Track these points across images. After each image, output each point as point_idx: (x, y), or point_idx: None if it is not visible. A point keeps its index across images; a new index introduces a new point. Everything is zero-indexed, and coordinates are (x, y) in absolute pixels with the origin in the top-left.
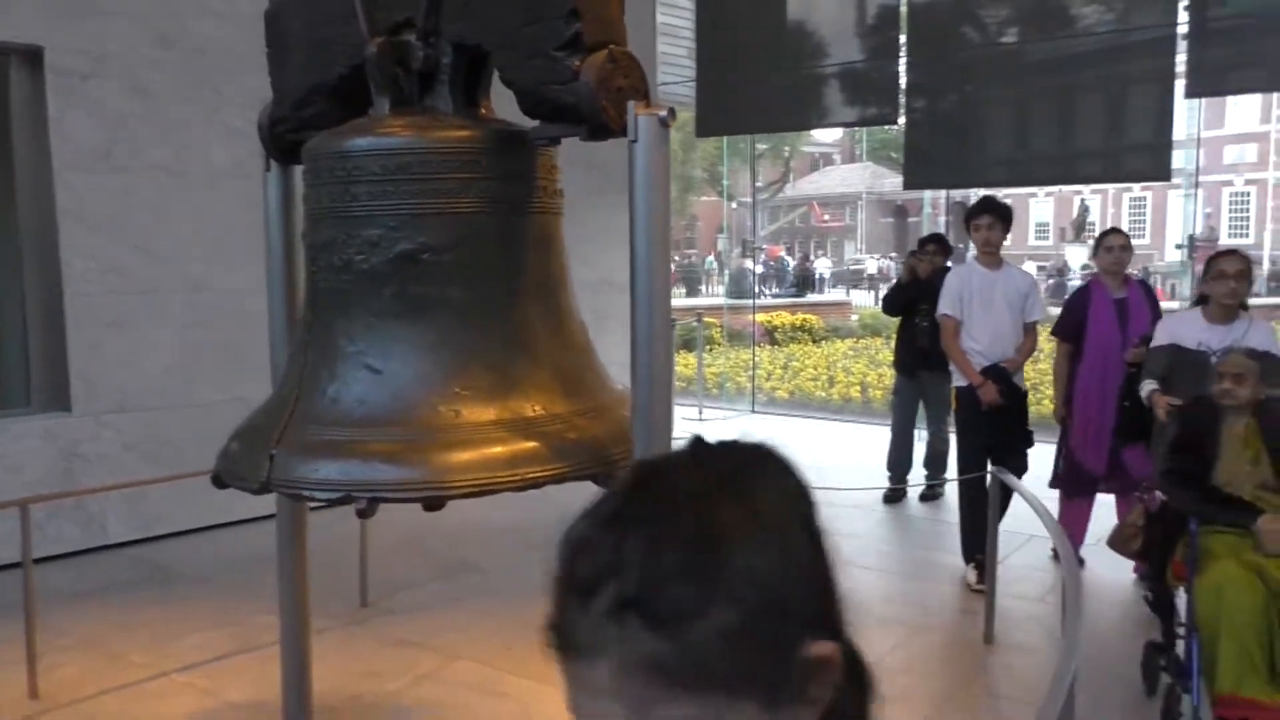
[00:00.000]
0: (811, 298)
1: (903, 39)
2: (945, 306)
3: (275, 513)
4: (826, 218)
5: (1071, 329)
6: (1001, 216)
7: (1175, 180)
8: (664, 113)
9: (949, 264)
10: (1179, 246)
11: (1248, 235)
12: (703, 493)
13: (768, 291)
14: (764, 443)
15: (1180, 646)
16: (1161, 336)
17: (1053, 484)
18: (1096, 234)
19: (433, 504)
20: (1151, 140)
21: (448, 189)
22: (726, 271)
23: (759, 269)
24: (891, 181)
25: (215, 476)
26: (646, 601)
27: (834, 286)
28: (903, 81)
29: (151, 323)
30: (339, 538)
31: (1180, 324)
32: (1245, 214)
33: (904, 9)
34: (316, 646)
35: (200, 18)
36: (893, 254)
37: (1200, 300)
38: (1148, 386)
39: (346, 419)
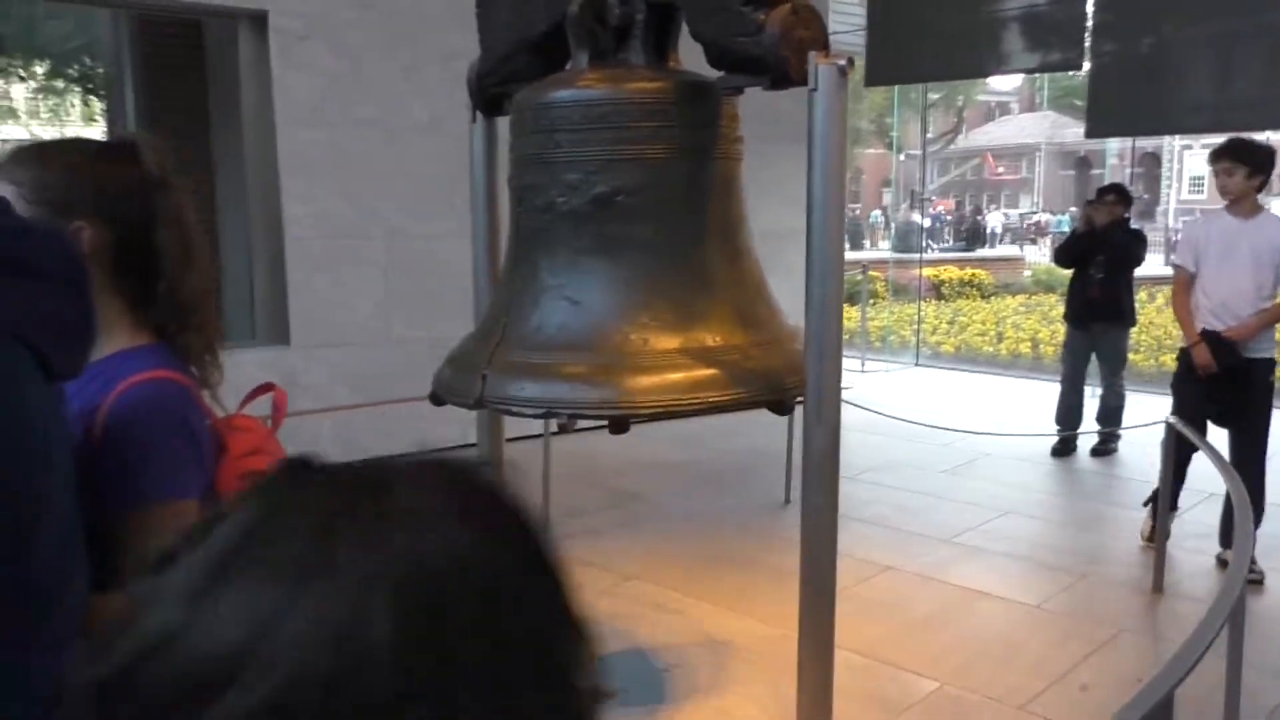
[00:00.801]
0: (981, 253)
1: None
2: (1179, 257)
3: (465, 444)
4: (1001, 170)
5: None
6: (1244, 160)
7: None
8: (844, 62)
9: (1128, 215)
10: None
11: None
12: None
13: (935, 246)
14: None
15: None
16: None
17: None
18: None
19: (619, 425)
20: None
21: (640, 136)
22: (892, 225)
23: (926, 222)
24: (1074, 131)
25: (433, 394)
26: None
27: (1006, 242)
28: (1089, 23)
29: (356, 266)
30: (519, 470)
31: None
32: None
33: None
34: None
35: None
36: (1072, 208)
37: None
38: None
39: (549, 344)
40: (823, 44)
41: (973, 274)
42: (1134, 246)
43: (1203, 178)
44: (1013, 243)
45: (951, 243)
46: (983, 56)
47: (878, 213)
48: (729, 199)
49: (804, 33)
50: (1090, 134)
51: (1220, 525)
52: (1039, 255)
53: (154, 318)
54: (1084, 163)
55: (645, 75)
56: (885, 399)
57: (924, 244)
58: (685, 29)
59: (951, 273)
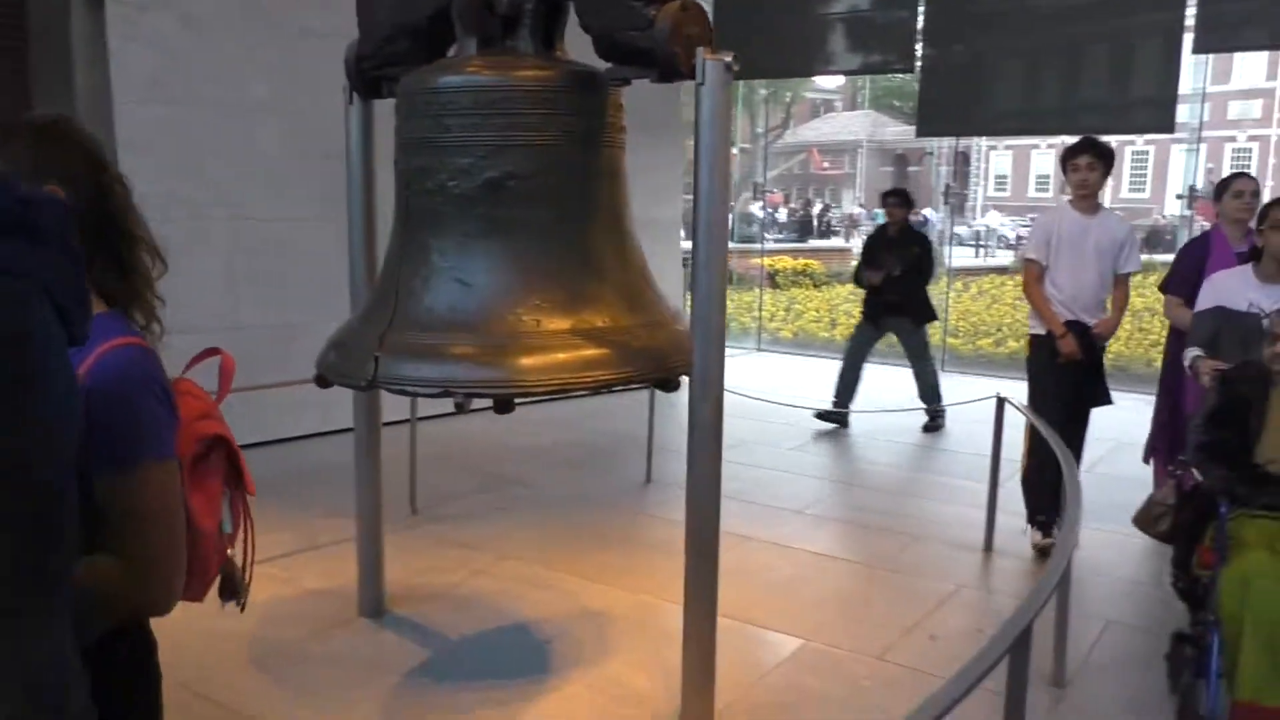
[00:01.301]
0: (813, 243)
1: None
2: (1031, 250)
3: (326, 430)
4: (826, 165)
5: (1185, 283)
6: (1102, 156)
7: (1179, 134)
8: (729, 58)
9: (911, 218)
10: (1179, 197)
11: None
12: None
13: (770, 236)
14: None
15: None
16: (1206, 298)
17: (1149, 456)
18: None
19: (504, 405)
20: (1157, 94)
21: (531, 123)
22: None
23: (761, 214)
24: (893, 130)
25: (319, 377)
26: None
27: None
28: (919, 29)
29: (201, 248)
30: (385, 455)
31: (1227, 283)
32: (1246, 169)
33: None
34: (357, 554)
35: None
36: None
37: (1251, 255)
38: (1190, 354)
39: (441, 326)
40: (709, 41)
41: (805, 264)
42: (924, 258)
43: (1007, 176)
44: (826, 234)
45: (785, 234)
46: (817, 56)
47: None
48: (615, 185)
49: (693, 29)
50: (920, 133)
51: (1026, 501)
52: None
53: (105, 286)
54: (902, 160)
55: (536, 64)
56: (732, 381)
57: (763, 234)
58: (572, 20)
59: (786, 262)
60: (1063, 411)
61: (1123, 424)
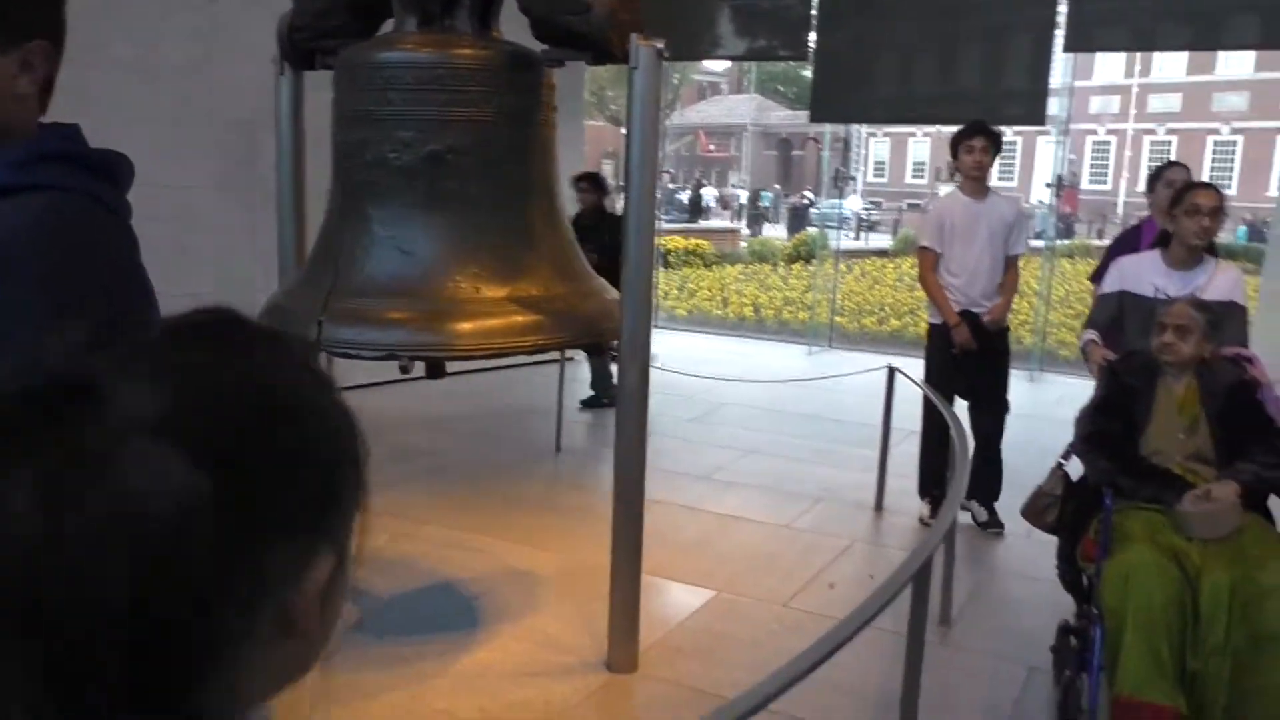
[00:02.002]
0: (702, 224)
1: None
2: (925, 238)
3: None
4: (712, 147)
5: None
6: (993, 139)
7: (1045, 127)
8: (661, 45)
9: (796, 200)
10: (1048, 185)
11: (1106, 182)
12: None
13: (662, 217)
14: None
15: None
16: (1112, 280)
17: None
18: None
19: (435, 370)
20: (1029, 88)
21: (470, 99)
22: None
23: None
24: (777, 114)
25: None
26: None
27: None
28: (814, 16)
29: None
30: None
31: (1135, 266)
32: (1105, 162)
33: None
34: None
35: None
36: (776, 185)
37: (1160, 240)
38: (1086, 336)
39: (383, 292)
40: (641, 27)
41: (696, 244)
42: (614, 244)
43: (885, 163)
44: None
45: (675, 215)
46: (713, 40)
47: None
48: (547, 161)
49: (626, 15)
50: (813, 119)
51: (920, 476)
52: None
53: None
54: (785, 143)
55: (475, 43)
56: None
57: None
58: (507, 2)
59: (677, 242)
60: (952, 393)
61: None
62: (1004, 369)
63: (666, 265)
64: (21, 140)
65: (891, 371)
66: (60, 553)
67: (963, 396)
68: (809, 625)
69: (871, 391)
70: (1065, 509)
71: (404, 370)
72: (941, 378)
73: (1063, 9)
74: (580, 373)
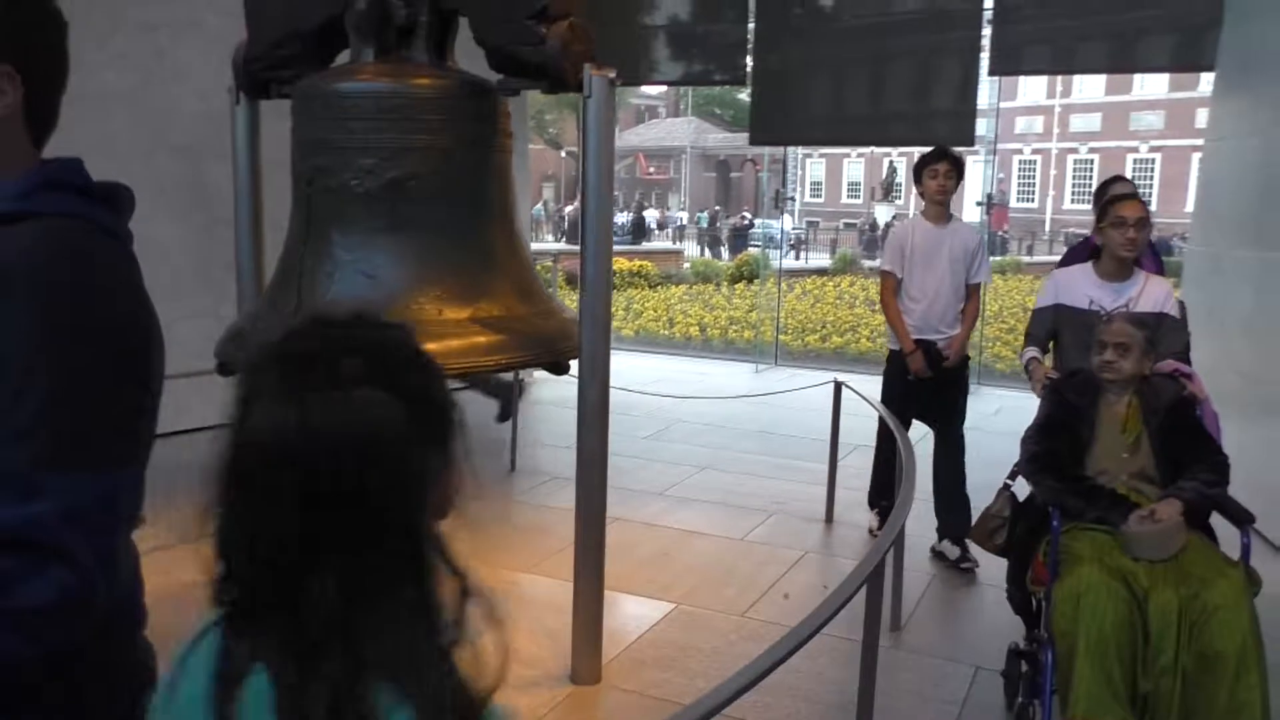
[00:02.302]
0: (645, 245)
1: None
2: (886, 263)
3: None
4: (652, 170)
5: None
6: (956, 164)
7: (974, 147)
8: (613, 74)
9: (738, 221)
10: (978, 204)
11: (1033, 200)
12: None
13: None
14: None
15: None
16: (1047, 293)
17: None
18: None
19: None
20: (958, 108)
21: (430, 127)
22: (552, 219)
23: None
24: (715, 136)
25: (221, 366)
26: None
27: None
28: (750, 42)
29: None
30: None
31: (1069, 279)
32: (1032, 180)
33: None
34: None
35: None
36: (716, 207)
37: (1092, 253)
38: (1027, 354)
39: None
40: (593, 57)
41: (640, 265)
42: None
43: (821, 183)
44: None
45: (619, 237)
46: (654, 65)
47: (539, 207)
48: (505, 186)
49: (579, 46)
50: (753, 142)
51: (870, 488)
52: (694, 249)
53: None
54: (724, 165)
55: (434, 73)
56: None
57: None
58: (461, 32)
59: (621, 264)
60: (907, 416)
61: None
62: (960, 396)
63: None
64: (23, 171)
65: (838, 386)
66: (326, 453)
67: (918, 418)
68: (766, 634)
69: (818, 406)
70: (1014, 531)
71: None
72: (898, 402)
73: (987, 33)
74: (541, 393)
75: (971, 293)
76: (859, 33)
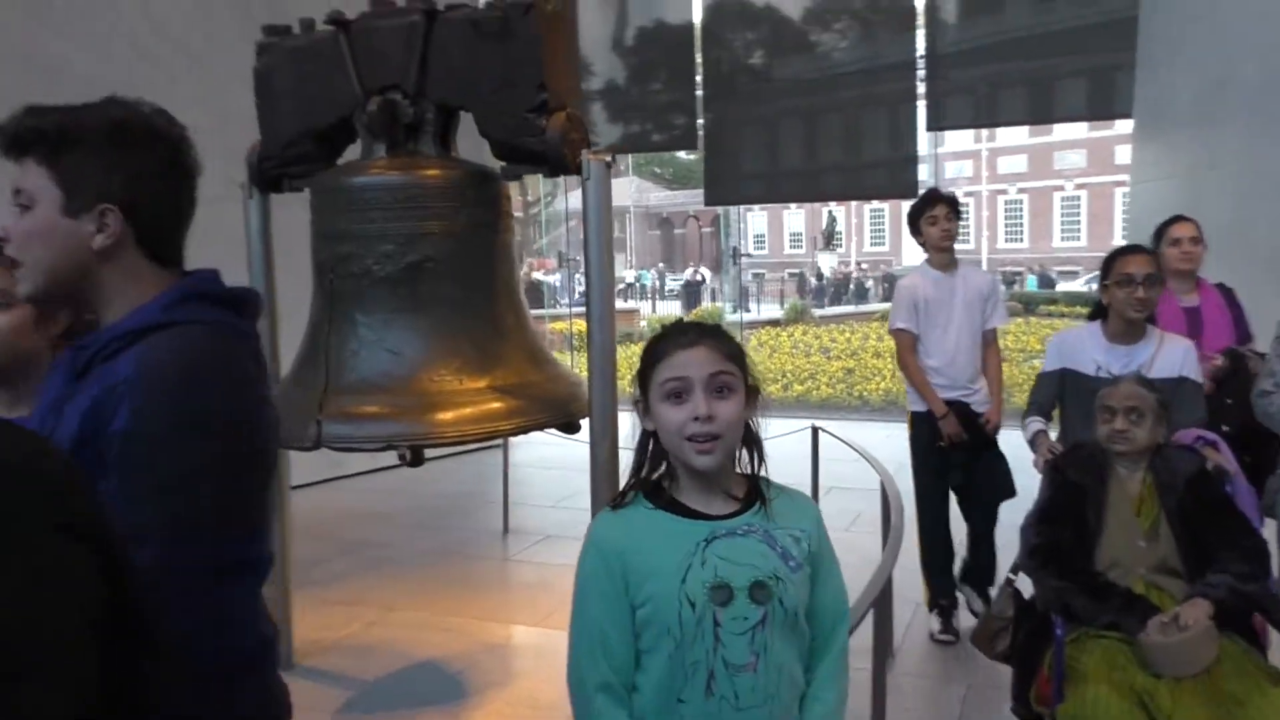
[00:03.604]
0: None
1: (699, 76)
2: (900, 320)
3: None
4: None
5: None
6: (954, 205)
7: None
8: (609, 159)
9: (689, 276)
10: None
11: (968, 241)
12: None
13: (561, 301)
14: None
15: None
16: (1051, 357)
17: None
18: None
19: (418, 456)
20: (897, 158)
21: (442, 213)
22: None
23: (552, 280)
24: (656, 195)
25: None
26: None
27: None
28: (699, 109)
29: None
30: None
31: (1073, 342)
32: (965, 222)
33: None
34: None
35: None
36: (660, 264)
37: (1096, 312)
38: (1032, 426)
39: (375, 389)
40: (589, 143)
41: None
42: None
43: (764, 235)
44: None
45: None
46: (607, 133)
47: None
48: (509, 262)
49: (576, 134)
50: (709, 202)
51: (926, 570)
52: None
53: None
54: (668, 223)
55: (444, 164)
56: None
57: (555, 299)
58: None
59: (580, 325)
60: (944, 498)
61: None
62: (1001, 460)
63: (572, 348)
64: (158, 290)
65: (815, 431)
66: None
67: (956, 492)
68: None
69: (793, 453)
70: (1017, 636)
71: (402, 458)
72: (930, 472)
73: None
74: (518, 455)
75: (988, 341)
76: (810, 90)
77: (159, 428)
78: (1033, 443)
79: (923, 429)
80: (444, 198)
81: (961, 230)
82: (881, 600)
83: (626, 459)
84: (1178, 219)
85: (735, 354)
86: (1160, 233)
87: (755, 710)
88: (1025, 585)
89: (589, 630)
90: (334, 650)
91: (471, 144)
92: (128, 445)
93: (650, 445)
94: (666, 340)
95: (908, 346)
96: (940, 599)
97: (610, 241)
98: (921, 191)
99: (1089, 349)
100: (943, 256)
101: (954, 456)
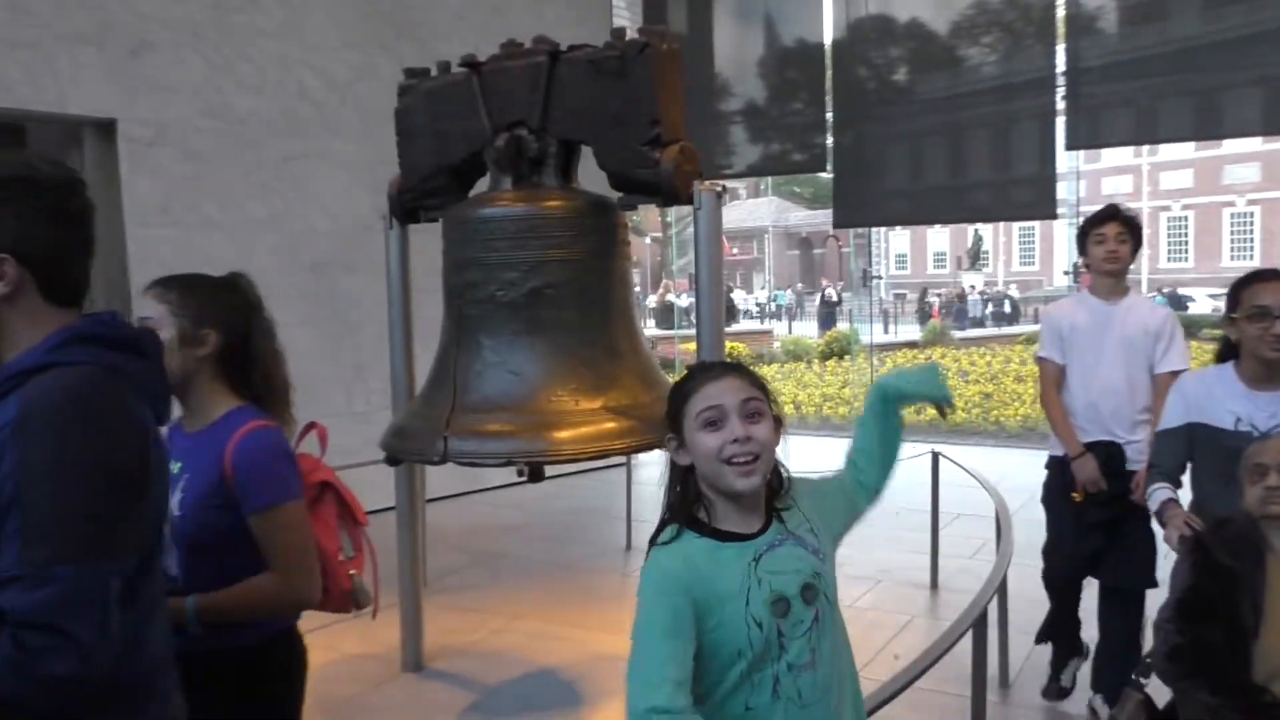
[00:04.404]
0: (735, 327)
1: (829, 96)
2: (1044, 348)
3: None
4: (735, 251)
5: None
6: (1130, 226)
7: (1059, 210)
8: (720, 189)
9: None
10: (1066, 273)
11: None
12: None
13: (690, 322)
14: None
15: None
16: (1174, 410)
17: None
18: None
19: (536, 473)
20: (1034, 176)
21: (562, 241)
22: (673, 305)
23: (683, 301)
24: (795, 215)
25: (389, 458)
26: None
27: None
28: (829, 130)
29: None
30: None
31: (1204, 388)
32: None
33: (829, 70)
34: (400, 616)
35: (239, 93)
36: (799, 284)
37: (1225, 351)
38: (1158, 495)
39: (498, 409)
40: (700, 174)
41: (731, 347)
42: None
43: (906, 255)
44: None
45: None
46: (735, 158)
47: None
48: (626, 288)
49: (689, 166)
50: (837, 225)
51: (1053, 652)
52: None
53: (252, 391)
54: (806, 243)
55: (564, 195)
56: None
57: (679, 321)
58: (585, 155)
59: None
60: (1080, 562)
61: None
62: (1148, 535)
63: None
64: (51, 331)
65: (935, 457)
66: None
67: (1091, 570)
68: (880, 693)
69: (916, 478)
70: None
71: (520, 474)
72: (1063, 532)
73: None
74: (641, 474)
75: (1161, 385)
76: (934, 107)
77: (43, 466)
78: (1160, 514)
79: (1055, 478)
80: (564, 227)
81: None
82: (980, 621)
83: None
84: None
85: (760, 384)
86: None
87: (817, 706)
88: (1157, 689)
89: (657, 658)
90: (461, 655)
91: (590, 175)
92: (16, 484)
93: (684, 480)
94: (695, 378)
95: (1049, 378)
96: (1060, 678)
97: (720, 268)
98: (1063, 211)
99: (1222, 398)
100: (1107, 282)
101: (1090, 513)
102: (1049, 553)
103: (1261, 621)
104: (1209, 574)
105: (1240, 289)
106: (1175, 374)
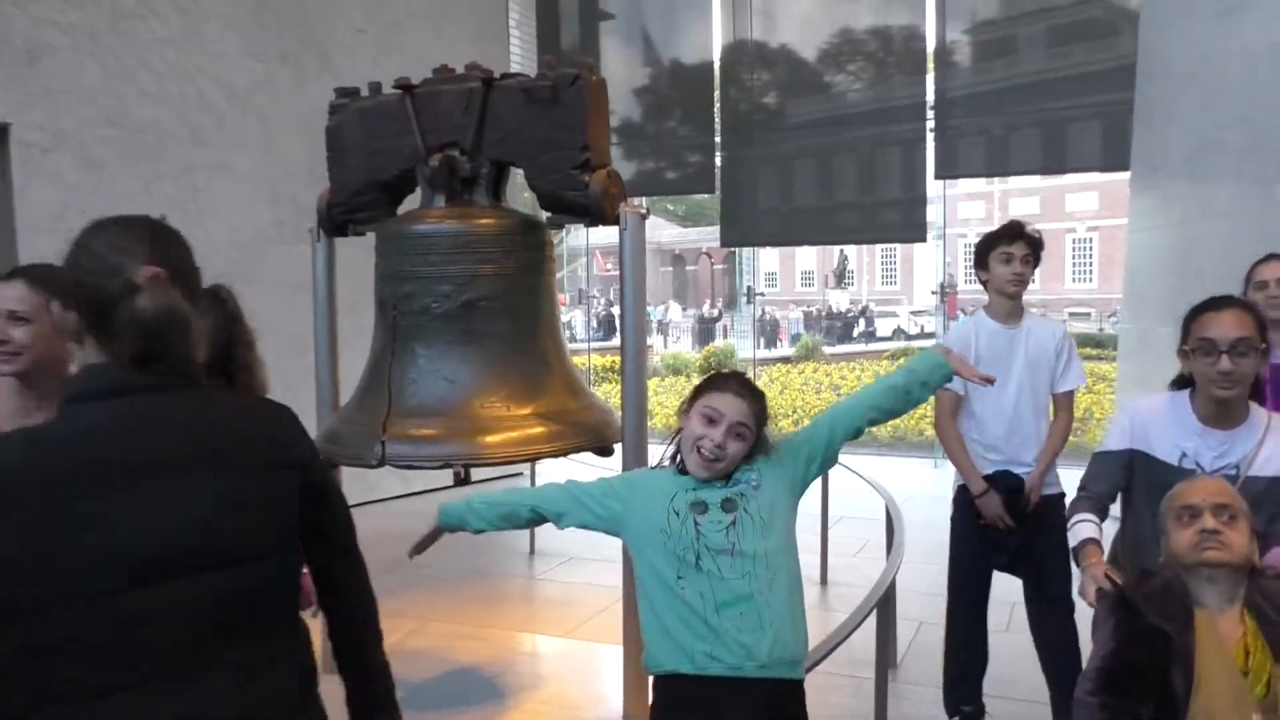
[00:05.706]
0: (615, 342)
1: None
2: None
3: None
4: (609, 266)
5: None
6: (1033, 245)
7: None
8: (643, 210)
9: (705, 312)
10: (933, 292)
11: (972, 279)
12: None
13: (579, 337)
14: None
15: None
16: (1117, 434)
17: None
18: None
19: (465, 475)
20: (906, 200)
21: (495, 257)
22: None
23: (565, 317)
24: (668, 232)
25: (327, 460)
26: None
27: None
28: (718, 152)
29: None
30: None
31: (1150, 417)
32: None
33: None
34: (312, 622)
35: (140, 101)
36: (672, 299)
37: (1182, 379)
38: (1080, 529)
39: (434, 413)
40: (626, 197)
41: (612, 360)
42: None
43: (775, 273)
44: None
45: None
46: (626, 170)
47: None
48: (552, 302)
49: (615, 189)
50: (725, 243)
51: (945, 681)
52: (659, 344)
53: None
54: (679, 259)
55: (496, 213)
56: (583, 468)
57: (573, 334)
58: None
59: (596, 360)
60: (984, 587)
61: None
62: (1062, 540)
63: (590, 383)
64: None
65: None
66: None
67: (1006, 570)
68: None
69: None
70: None
71: (457, 476)
72: (971, 556)
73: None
74: (545, 481)
75: (1060, 404)
76: (815, 131)
77: None
78: (1077, 555)
79: (961, 507)
80: (496, 243)
81: (971, 270)
82: (884, 604)
83: None
84: (1268, 258)
85: (759, 415)
86: (1247, 277)
87: (737, 581)
88: None
89: (562, 487)
90: None
91: (517, 195)
92: None
93: (678, 443)
94: (725, 382)
95: (945, 409)
96: (963, 705)
97: (643, 286)
98: (933, 235)
99: (1172, 429)
100: (1007, 304)
101: (1004, 541)
102: (956, 588)
103: (1196, 687)
104: (1135, 638)
105: (1190, 320)
106: (1070, 394)
